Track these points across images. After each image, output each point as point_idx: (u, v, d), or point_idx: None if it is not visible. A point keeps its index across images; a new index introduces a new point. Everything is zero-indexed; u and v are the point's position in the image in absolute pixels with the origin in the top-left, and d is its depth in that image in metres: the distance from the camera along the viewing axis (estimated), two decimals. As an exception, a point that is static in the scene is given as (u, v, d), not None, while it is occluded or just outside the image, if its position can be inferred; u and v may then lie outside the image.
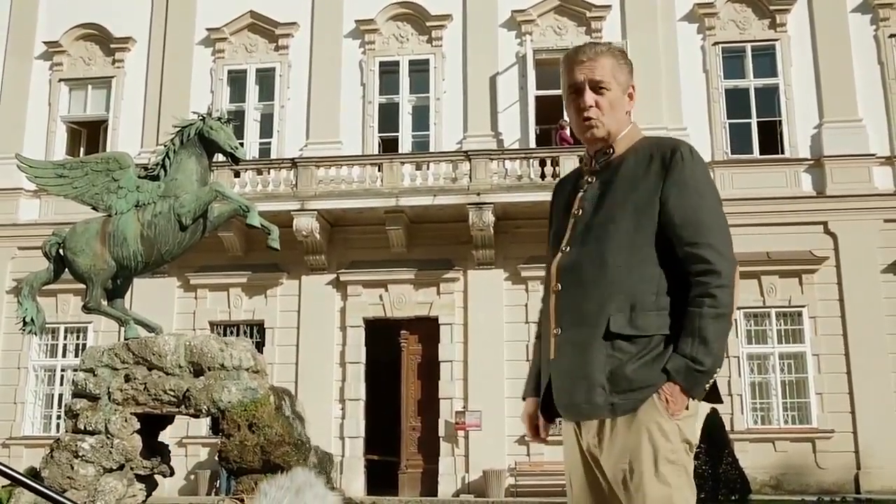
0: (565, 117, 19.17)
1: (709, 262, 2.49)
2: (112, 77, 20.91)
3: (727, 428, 14.01)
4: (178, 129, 9.18)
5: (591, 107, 2.67)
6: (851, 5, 19.10)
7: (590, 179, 2.73)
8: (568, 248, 2.66)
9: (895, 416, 16.98)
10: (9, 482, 3.22)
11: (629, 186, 2.60)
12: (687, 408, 2.49)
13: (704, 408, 2.55)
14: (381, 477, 18.29)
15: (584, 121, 2.69)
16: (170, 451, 9.07)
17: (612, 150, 2.70)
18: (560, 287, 2.62)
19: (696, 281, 2.50)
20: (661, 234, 2.55)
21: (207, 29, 20.60)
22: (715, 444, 12.93)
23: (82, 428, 8.28)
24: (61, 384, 19.13)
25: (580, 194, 2.72)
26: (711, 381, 2.50)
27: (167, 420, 9.00)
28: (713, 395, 2.56)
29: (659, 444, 2.45)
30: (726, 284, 2.49)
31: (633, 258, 2.53)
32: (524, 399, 2.89)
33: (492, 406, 17.55)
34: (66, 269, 9.24)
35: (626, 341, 2.49)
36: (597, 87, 2.67)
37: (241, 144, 10.12)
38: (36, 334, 9.50)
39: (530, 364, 2.93)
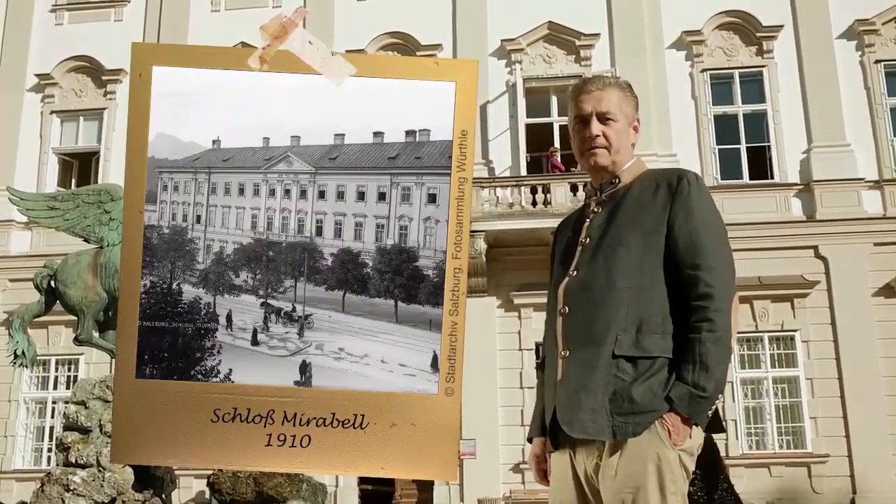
0: (556, 144, 19.31)
1: (708, 286, 2.51)
2: (104, 109, 20.96)
3: (722, 453, 13.96)
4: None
5: (596, 136, 2.69)
6: (837, 31, 19.31)
7: (596, 209, 2.74)
8: (575, 272, 2.65)
9: (889, 440, 16.98)
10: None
11: (637, 211, 2.62)
12: (690, 436, 2.49)
13: (700, 436, 2.57)
14: (375, 507, 18.17)
15: (588, 149, 2.71)
16: (164, 482, 8.99)
17: (618, 180, 2.73)
18: (567, 309, 2.62)
19: (695, 306, 2.51)
20: (667, 258, 2.57)
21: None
22: (710, 470, 12.87)
23: (73, 461, 8.22)
24: (52, 417, 18.98)
25: (587, 223, 2.73)
26: (713, 407, 2.50)
27: (159, 452, 8.93)
28: (715, 424, 2.57)
29: (663, 475, 2.44)
30: (723, 309, 2.50)
31: (642, 280, 2.54)
32: (530, 440, 2.88)
33: (486, 434, 17.47)
34: (58, 301, 9.22)
35: (630, 362, 2.49)
36: (603, 118, 2.71)
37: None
38: (27, 367, 9.46)
39: (535, 403, 2.91)
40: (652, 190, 2.64)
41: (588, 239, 2.68)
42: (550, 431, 2.66)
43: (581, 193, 17.62)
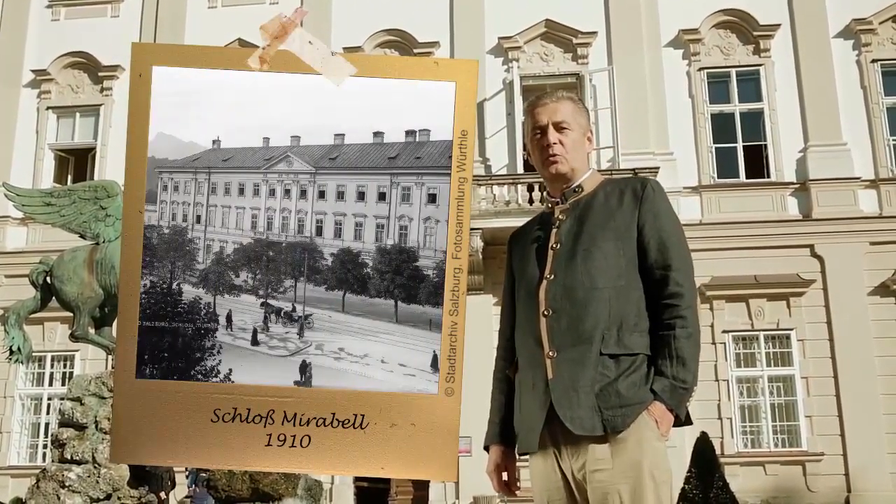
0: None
1: (678, 285, 2.66)
2: (100, 105, 20.93)
3: (717, 451, 13.99)
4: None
5: (554, 143, 2.80)
6: (834, 31, 19.33)
7: (561, 217, 2.82)
8: (553, 276, 2.72)
9: (885, 439, 17.02)
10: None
11: (606, 216, 2.73)
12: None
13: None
14: (370, 504, 18.19)
15: (548, 157, 2.81)
16: (164, 482, 8.99)
17: (580, 189, 2.83)
18: (551, 311, 2.69)
19: (666, 304, 2.66)
20: (639, 259, 2.70)
21: (195, 56, 20.69)
22: (705, 468, 12.90)
23: (69, 457, 8.22)
24: (48, 413, 18.96)
25: (554, 230, 2.81)
26: (691, 399, 2.65)
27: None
28: (686, 417, 2.70)
29: (655, 465, 2.54)
30: (692, 306, 2.66)
31: (619, 281, 2.66)
32: (486, 448, 2.93)
33: (481, 432, 17.38)
34: (54, 298, 9.21)
35: (613, 360, 2.61)
36: (559, 127, 2.81)
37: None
38: (23, 363, 9.45)
39: (492, 409, 2.96)
40: (617, 196, 2.77)
41: (559, 244, 2.77)
42: (528, 434, 2.72)
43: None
